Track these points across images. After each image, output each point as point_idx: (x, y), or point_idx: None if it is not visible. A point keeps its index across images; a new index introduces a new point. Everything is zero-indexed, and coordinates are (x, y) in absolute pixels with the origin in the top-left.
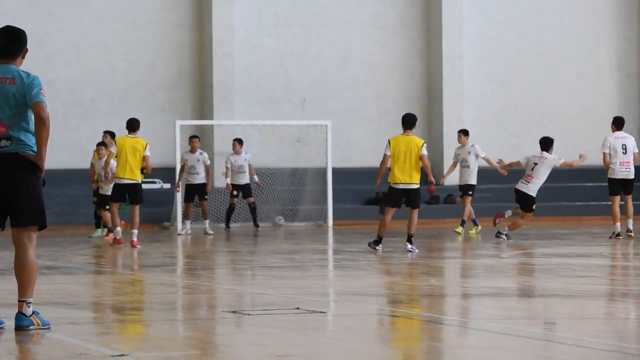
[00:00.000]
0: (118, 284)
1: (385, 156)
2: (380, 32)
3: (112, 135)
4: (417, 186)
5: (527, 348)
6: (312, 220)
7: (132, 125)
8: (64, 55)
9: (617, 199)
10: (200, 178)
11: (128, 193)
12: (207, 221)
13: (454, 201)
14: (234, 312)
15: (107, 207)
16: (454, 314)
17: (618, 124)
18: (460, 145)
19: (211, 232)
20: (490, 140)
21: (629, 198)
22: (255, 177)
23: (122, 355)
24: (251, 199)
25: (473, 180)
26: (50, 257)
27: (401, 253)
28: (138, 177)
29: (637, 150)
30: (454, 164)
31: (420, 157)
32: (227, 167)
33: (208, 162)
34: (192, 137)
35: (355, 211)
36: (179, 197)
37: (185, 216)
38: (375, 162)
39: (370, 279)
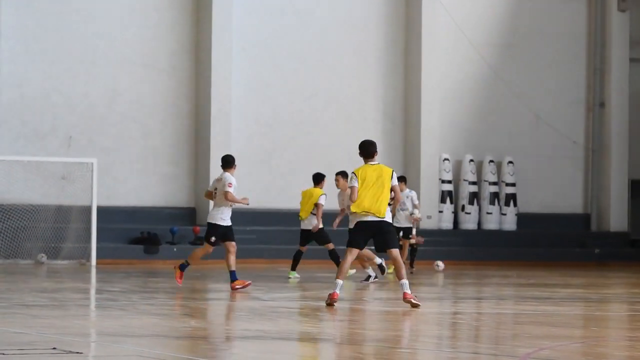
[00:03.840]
0: None
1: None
2: (149, 71)
3: None
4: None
5: None
6: (75, 258)
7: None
8: None
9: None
10: None
11: None
12: None
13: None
14: None
15: None
16: (211, 356)
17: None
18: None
19: None
20: (258, 180)
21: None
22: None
23: None
24: (420, 240)
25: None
26: None
27: (164, 293)
28: None
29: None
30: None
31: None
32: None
33: None
34: None
35: (119, 250)
36: None
37: None
38: (140, 201)
39: (130, 320)
